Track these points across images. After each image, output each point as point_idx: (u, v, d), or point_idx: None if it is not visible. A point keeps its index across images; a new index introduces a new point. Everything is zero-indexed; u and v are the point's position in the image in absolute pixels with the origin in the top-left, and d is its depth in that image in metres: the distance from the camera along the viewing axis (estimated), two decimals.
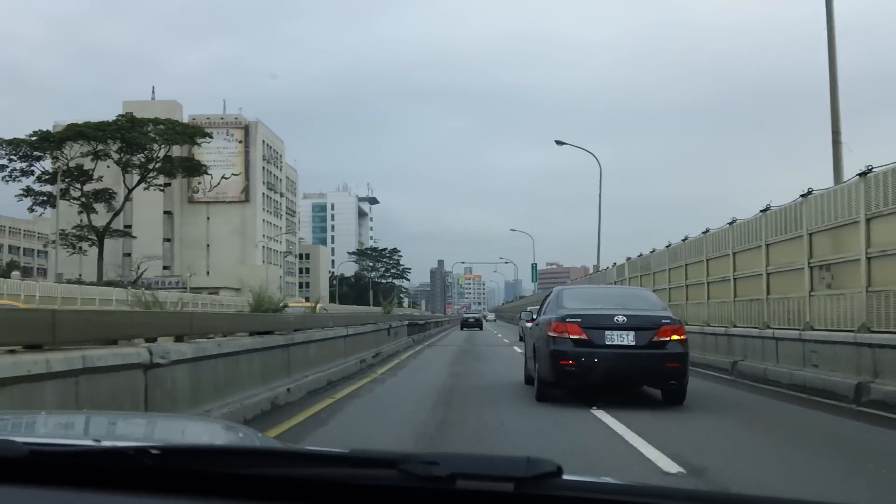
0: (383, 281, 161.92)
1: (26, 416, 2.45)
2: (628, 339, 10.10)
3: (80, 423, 2.43)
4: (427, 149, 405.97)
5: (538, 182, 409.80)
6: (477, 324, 59.48)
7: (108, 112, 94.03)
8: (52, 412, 3.76)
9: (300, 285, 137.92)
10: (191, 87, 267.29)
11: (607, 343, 10.11)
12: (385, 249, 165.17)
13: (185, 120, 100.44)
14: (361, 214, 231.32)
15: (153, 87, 74.56)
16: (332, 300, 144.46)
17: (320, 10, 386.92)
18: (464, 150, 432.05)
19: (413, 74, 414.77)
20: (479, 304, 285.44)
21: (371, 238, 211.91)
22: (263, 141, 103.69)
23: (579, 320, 10.25)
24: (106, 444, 1.62)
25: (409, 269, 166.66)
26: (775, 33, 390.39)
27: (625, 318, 10.23)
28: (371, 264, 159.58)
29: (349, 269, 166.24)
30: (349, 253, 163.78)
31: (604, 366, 10.09)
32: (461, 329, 57.77)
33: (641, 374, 10.45)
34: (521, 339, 35.53)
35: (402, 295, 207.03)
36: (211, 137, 58.81)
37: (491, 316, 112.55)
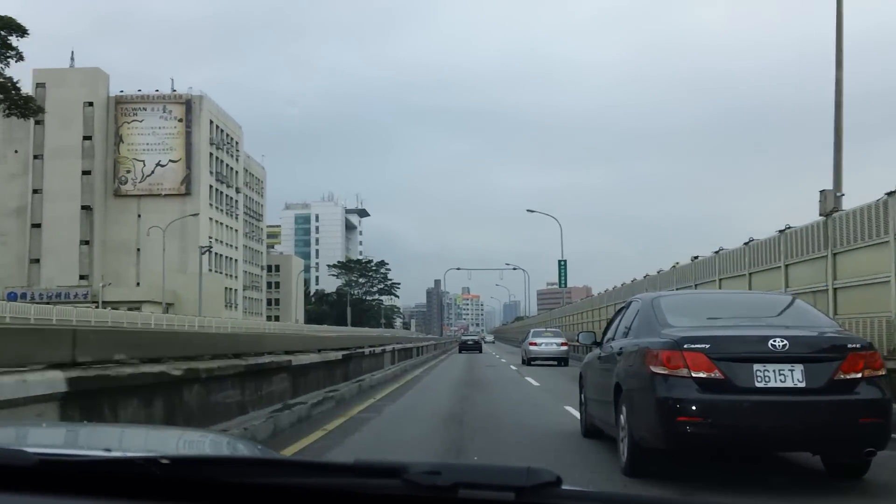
0: (368, 298, 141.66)
1: (33, 426, 2.56)
2: (794, 377, 6.02)
3: (86, 434, 2.49)
4: (429, 169, 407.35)
5: (540, 203, 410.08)
6: (476, 346, 55.73)
7: None
8: (57, 423, 4.00)
9: (269, 302, 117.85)
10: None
11: (758, 385, 6.02)
12: (371, 262, 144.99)
13: (112, 94, 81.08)
14: (350, 227, 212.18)
15: (72, 52, 57.93)
16: (311, 320, 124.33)
17: (323, 30, 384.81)
18: (466, 170, 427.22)
19: (415, 94, 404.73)
20: (478, 325, 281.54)
21: (360, 253, 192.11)
22: (211, 121, 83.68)
23: (706, 346, 6.15)
24: (115, 453, 1.65)
25: (399, 284, 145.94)
26: (776, 55, 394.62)
27: (785, 341, 6.09)
28: (355, 279, 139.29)
29: (333, 285, 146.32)
30: (329, 266, 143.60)
31: (757, 424, 6.08)
32: (459, 352, 53.02)
33: (818, 435, 6.18)
34: (524, 362, 30.66)
35: (393, 315, 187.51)
36: (25, 33, 38.85)
37: (490, 338, 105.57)
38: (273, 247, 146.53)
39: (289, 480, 1.45)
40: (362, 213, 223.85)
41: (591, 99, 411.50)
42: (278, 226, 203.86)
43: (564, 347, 30.75)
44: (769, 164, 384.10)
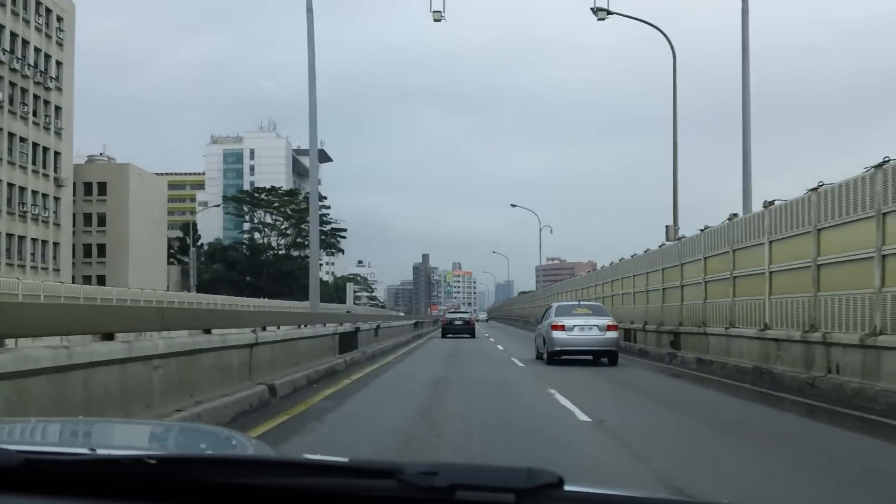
0: (297, 254, 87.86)
1: (19, 423, 2.51)
2: None
3: (73, 431, 2.48)
4: (420, 151, 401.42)
5: (533, 185, 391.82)
6: (466, 328, 38.93)
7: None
8: (44, 419, 3.83)
9: (87, 251, 64.34)
10: (179, 84, 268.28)
11: None
12: (297, 192, 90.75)
13: None
14: (301, 174, 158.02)
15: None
16: (190, 286, 71.31)
17: (315, 7, 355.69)
18: (458, 152, 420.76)
19: (407, 75, 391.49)
20: (470, 304, 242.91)
21: (320, 209, 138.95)
22: None
23: None
24: (101, 452, 1.63)
25: (345, 230, 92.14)
26: (765, 42, 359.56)
27: None
28: (270, 221, 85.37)
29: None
30: (225, 198, 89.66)
31: None
32: (442, 336, 38.44)
33: None
34: (541, 357, 21.21)
35: (355, 286, 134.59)
36: None
37: (483, 315, 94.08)
38: (193, 199, 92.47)
39: (280, 481, 1.41)
40: (322, 158, 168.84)
41: (587, 82, 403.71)
42: (202, 173, 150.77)
43: (614, 333, 19.79)
44: (762, 147, 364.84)
